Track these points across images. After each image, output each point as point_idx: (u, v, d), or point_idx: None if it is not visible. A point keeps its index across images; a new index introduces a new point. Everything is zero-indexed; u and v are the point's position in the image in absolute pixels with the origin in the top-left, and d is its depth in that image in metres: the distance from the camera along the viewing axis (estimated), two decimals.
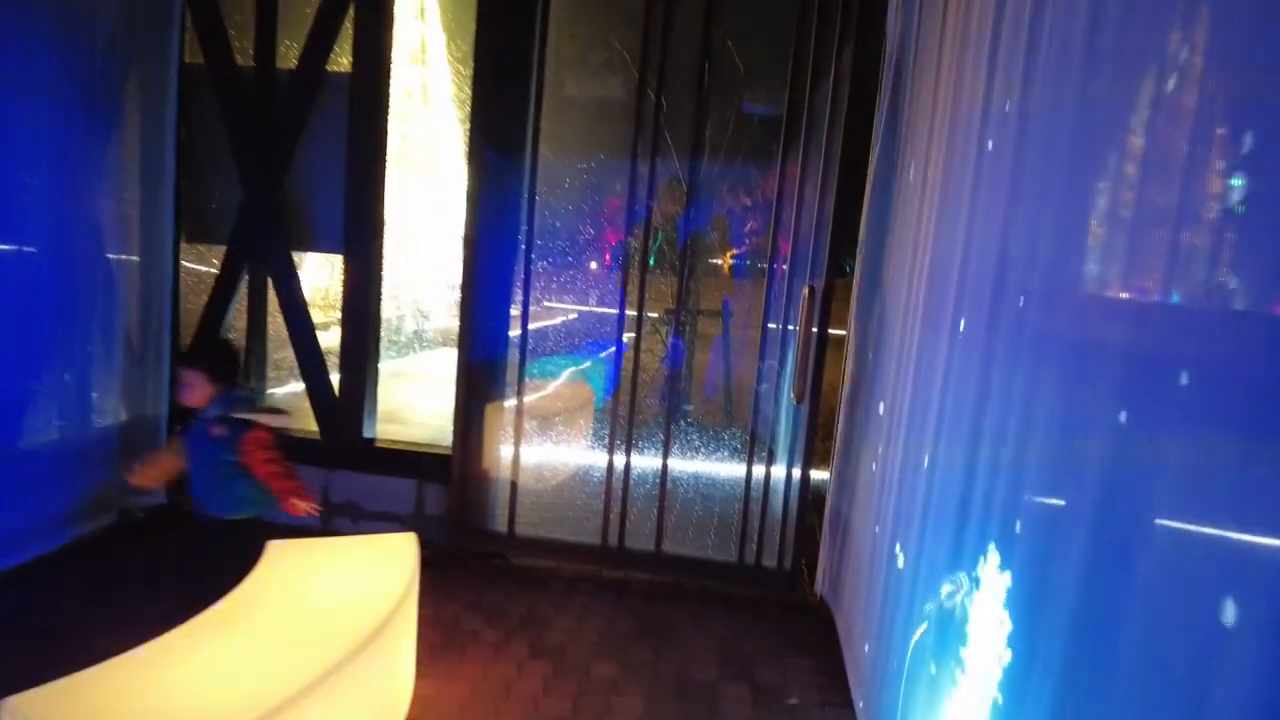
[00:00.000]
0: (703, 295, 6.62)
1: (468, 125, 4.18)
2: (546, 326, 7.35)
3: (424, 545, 4.34)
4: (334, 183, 4.35)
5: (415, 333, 10.94)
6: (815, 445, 3.89)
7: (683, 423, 4.57)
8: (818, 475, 4.03)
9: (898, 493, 2.60)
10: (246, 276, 4.52)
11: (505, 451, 4.28)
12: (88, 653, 2.06)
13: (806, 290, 3.68)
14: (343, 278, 4.39)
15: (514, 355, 4.29)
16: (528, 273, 4.18)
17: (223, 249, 4.51)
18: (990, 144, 2.02)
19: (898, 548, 2.52)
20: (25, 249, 3.63)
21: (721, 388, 6.33)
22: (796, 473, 4.01)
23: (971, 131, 2.14)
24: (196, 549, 4.14)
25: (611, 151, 6.01)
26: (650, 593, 4.02)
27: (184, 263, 4.60)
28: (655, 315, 6.20)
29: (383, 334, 10.28)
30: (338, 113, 4.33)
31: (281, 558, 2.94)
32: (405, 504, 4.43)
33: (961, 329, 2.11)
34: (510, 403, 4.27)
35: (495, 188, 4.12)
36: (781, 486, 4.09)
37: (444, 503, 4.34)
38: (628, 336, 4.19)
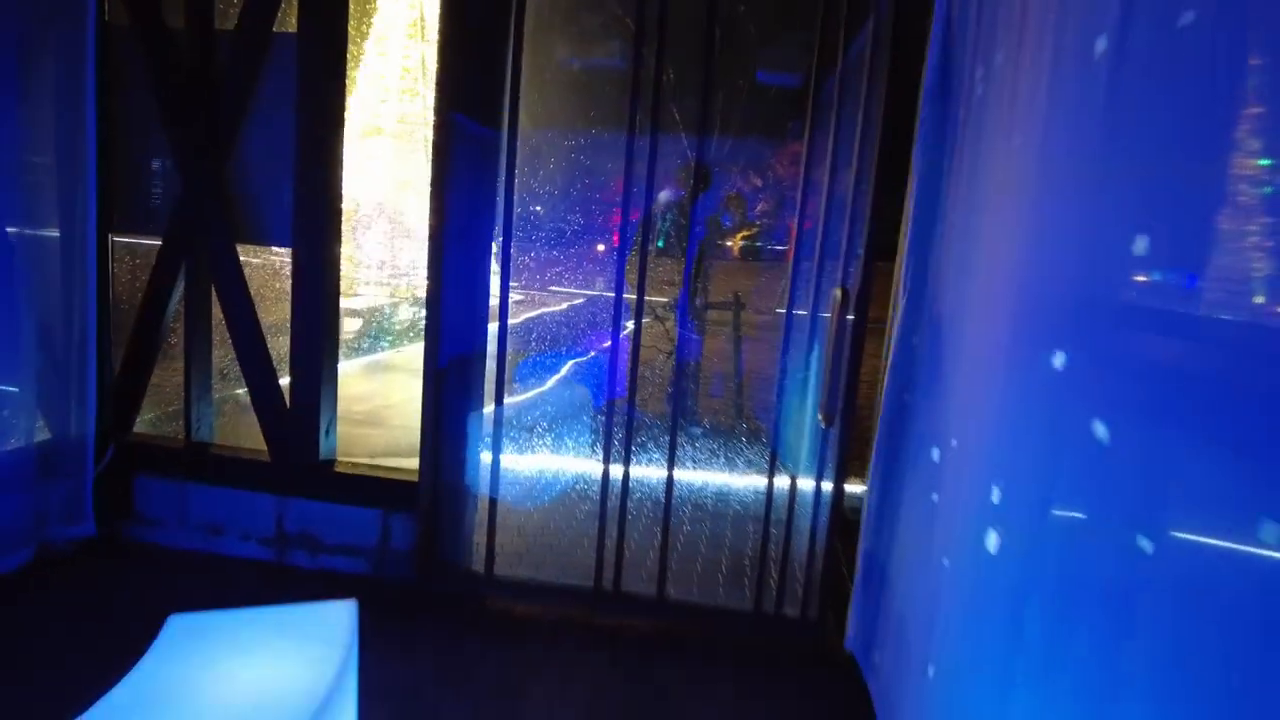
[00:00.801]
0: (712, 285, 5.98)
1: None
2: (532, 320, 6.72)
3: (390, 585, 3.81)
4: (285, 164, 3.73)
5: (410, 323, 10.34)
6: (845, 476, 3.25)
7: (689, 447, 3.93)
8: (852, 489, 3.40)
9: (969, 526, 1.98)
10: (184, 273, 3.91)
11: (485, 473, 3.68)
12: None
13: (837, 293, 3.03)
14: (291, 275, 3.77)
15: (495, 353, 3.65)
16: (506, 261, 3.56)
17: (159, 241, 3.91)
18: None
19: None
20: None
21: (733, 390, 5.70)
22: (826, 494, 3.38)
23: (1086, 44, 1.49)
24: (134, 587, 3.63)
25: (608, 126, 5.36)
26: (648, 646, 3.42)
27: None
28: (664, 300, 5.58)
29: (376, 323, 9.67)
30: (287, 81, 3.70)
31: (182, 639, 2.35)
32: (369, 535, 3.84)
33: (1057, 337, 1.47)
34: (489, 412, 3.66)
35: (469, 163, 3.48)
36: (805, 519, 3.47)
37: (412, 535, 3.74)
38: (626, 331, 3.57)
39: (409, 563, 3.74)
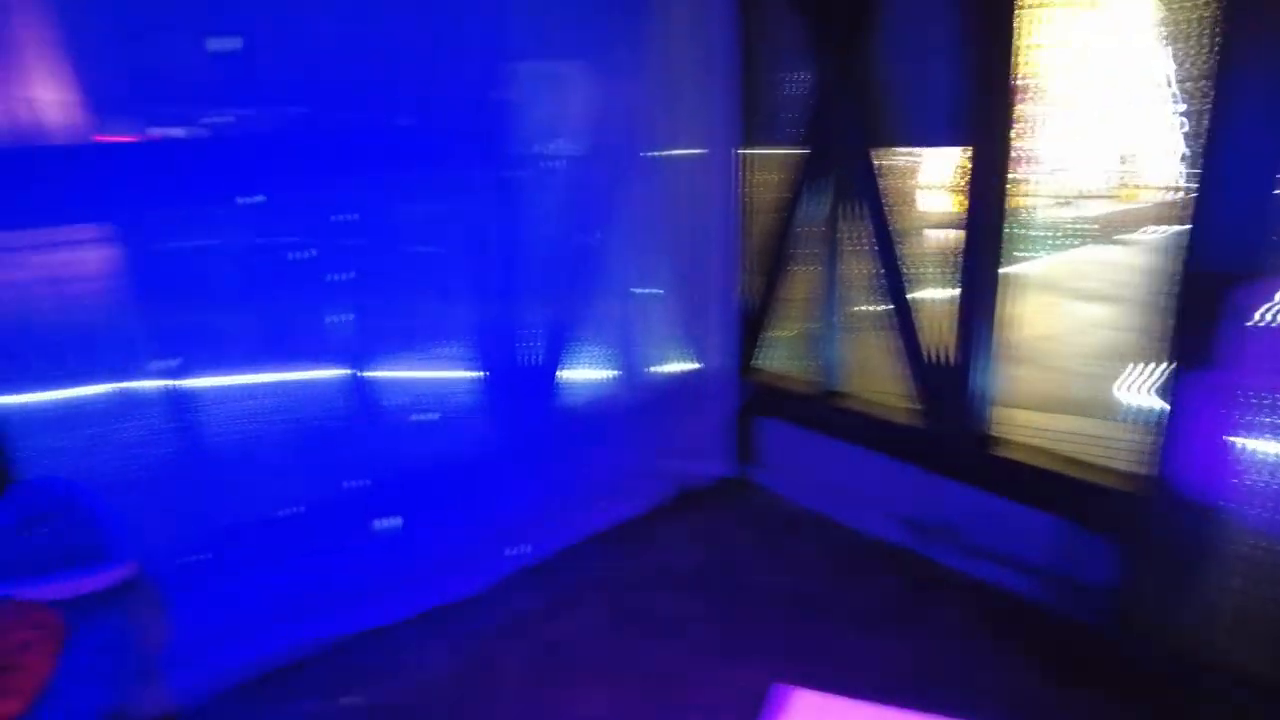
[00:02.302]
0: None
1: None
2: None
3: (1071, 630, 2.58)
4: (940, 44, 2.72)
5: (1054, 227, 8.44)
6: None
7: None
8: None
9: None
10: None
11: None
12: None
13: None
14: (967, 184, 2.74)
15: None
16: None
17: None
18: None
19: None
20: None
21: None
22: None
23: None
24: (753, 547, 3.30)
25: None
26: None
27: None
28: None
29: (1012, 227, 8.11)
30: None
31: None
32: (1041, 549, 2.74)
33: None
34: None
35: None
36: None
37: (1115, 570, 2.51)
38: None
39: (1102, 606, 2.55)
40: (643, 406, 3.41)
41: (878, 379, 3.22)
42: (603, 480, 3.33)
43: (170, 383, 2.38)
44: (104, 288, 2.34)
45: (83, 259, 2.33)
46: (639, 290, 3.36)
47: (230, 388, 2.53)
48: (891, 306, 3.04)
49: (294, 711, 2.41)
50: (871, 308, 3.15)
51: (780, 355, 3.62)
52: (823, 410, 3.37)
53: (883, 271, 3.04)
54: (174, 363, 2.37)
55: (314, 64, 2.46)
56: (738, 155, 3.38)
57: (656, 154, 3.29)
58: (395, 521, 2.77)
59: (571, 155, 3.06)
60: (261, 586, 2.57)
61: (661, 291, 3.42)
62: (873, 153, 2.99)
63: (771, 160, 3.44)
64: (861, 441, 3.23)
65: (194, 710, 2.35)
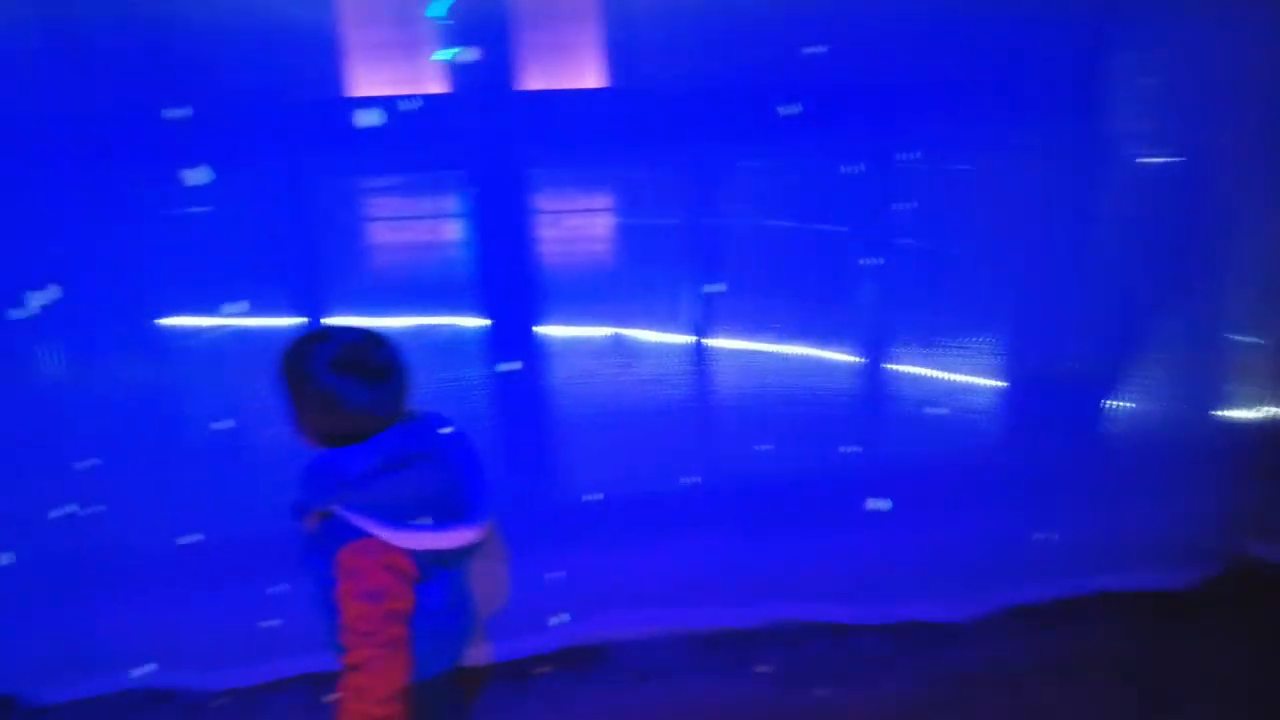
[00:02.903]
0: None
1: None
2: None
3: None
4: None
5: None
6: None
7: None
8: None
9: None
10: None
11: None
12: None
13: None
14: None
15: None
16: None
17: None
18: None
19: None
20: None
21: None
22: None
23: None
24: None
25: None
26: None
27: None
28: None
29: None
30: None
31: None
32: None
33: None
34: None
35: None
36: None
37: None
38: None
39: None
40: (1199, 455, 2.68)
41: None
42: (1127, 532, 2.71)
43: (664, 336, 2.50)
44: (605, 247, 2.59)
45: (590, 223, 2.60)
46: (1231, 317, 2.63)
47: (727, 350, 2.56)
48: None
49: (707, 675, 2.42)
50: None
51: None
52: None
53: None
54: (665, 315, 2.49)
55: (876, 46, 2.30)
56: None
57: None
58: (884, 509, 2.56)
59: (1180, 155, 2.51)
60: (719, 545, 2.59)
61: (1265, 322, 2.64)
62: None
63: None
64: None
65: (617, 647, 2.47)
